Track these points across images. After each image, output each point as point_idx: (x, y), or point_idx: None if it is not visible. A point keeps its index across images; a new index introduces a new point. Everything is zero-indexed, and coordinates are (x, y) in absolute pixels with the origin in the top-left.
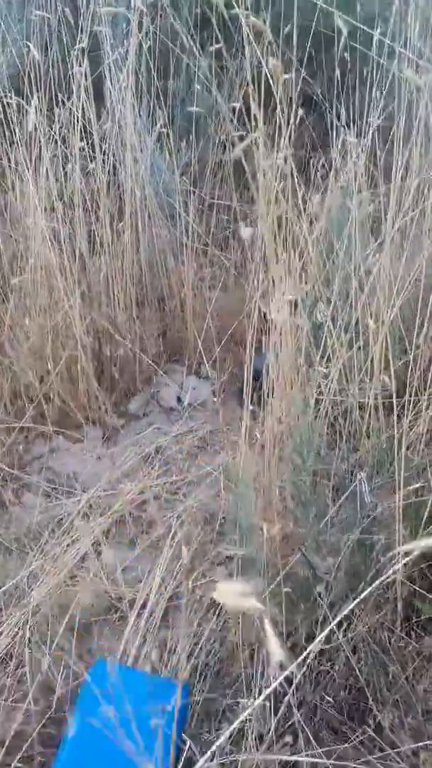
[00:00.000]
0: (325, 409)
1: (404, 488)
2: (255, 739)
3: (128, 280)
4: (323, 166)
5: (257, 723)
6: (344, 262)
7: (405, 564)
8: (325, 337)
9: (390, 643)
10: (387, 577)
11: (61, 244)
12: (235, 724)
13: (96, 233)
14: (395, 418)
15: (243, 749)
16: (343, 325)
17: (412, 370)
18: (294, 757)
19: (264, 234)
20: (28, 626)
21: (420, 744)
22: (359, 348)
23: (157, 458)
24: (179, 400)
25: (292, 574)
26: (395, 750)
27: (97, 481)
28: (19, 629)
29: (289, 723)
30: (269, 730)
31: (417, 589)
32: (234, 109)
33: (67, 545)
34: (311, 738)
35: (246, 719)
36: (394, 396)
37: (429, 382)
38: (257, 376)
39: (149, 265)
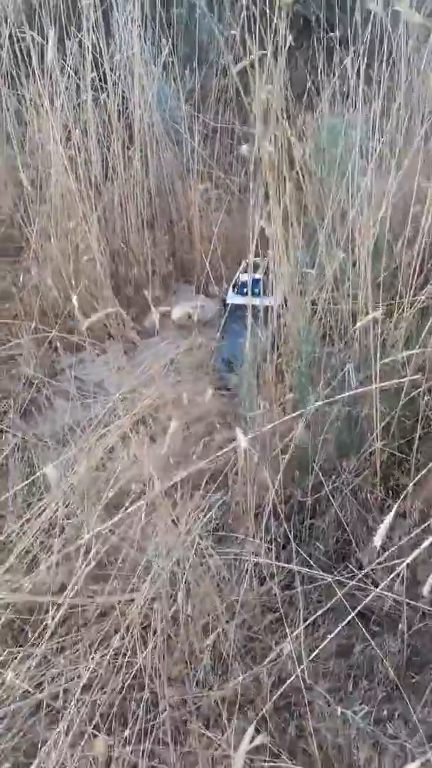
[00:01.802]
0: (319, 315)
1: (384, 375)
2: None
3: (139, 204)
4: (316, 85)
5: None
6: (337, 179)
7: (384, 438)
8: (319, 248)
9: (370, 501)
10: (369, 446)
11: (77, 171)
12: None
13: (108, 159)
14: (380, 320)
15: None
16: (334, 238)
17: (397, 277)
18: (291, 566)
19: (262, 154)
20: (65, 504)
21: (392, 575)
22: (348, 258)
23: (171, 368)
24: (189, 317)
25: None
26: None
27: (119, 388)
28: (57, 506)
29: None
30: (271, 572)
31: (395, 453)
32: (233, 36)
33: (97, 440)
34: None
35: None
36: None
37: (411, 287)
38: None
39: (158, 190)
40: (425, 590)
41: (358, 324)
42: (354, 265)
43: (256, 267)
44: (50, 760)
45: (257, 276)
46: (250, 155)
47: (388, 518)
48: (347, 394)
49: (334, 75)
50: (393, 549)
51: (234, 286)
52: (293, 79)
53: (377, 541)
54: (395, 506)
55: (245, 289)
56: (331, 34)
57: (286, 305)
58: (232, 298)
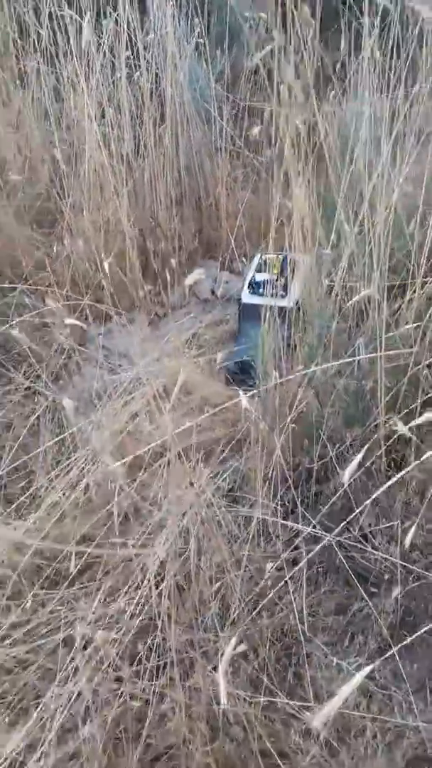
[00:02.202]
0: (335, 291)
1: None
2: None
3: (168, 181)
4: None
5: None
6: (356, 161)
7: (389, 410)
8: (336, 227)
9: (373, 471)
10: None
11: (110, 147)
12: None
13: (140, 137)
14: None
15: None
16: (351, 217)
17: (410, 257)
18: (296, 525)
19: (282, 135)
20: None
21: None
22: (363, 236)
23: (194, 342)
24: (213, 292)
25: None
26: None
27: (143, 357)
28: (85, 464)
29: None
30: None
31: (396, 429)
32: (260, 18)
33: (122, 405)
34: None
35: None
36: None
37: (423, 267)
38: (245, 369)
39: (187, 167)
40: (406, 543)
41: (354, 299)
42: (369, 244)
43: (272, 264)
44: (65, 691)
45: (272, 276)
46: (261, 136)
47: (359, 457)
48: (351, 359)
49: (360, 58)
50: (390, 515)
51: (249, 285)
52: (320, 62)
53: (345, 477)
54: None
55: (261, 289)
56: (359, 20)
57: (298, 307)
58: (248, 298)
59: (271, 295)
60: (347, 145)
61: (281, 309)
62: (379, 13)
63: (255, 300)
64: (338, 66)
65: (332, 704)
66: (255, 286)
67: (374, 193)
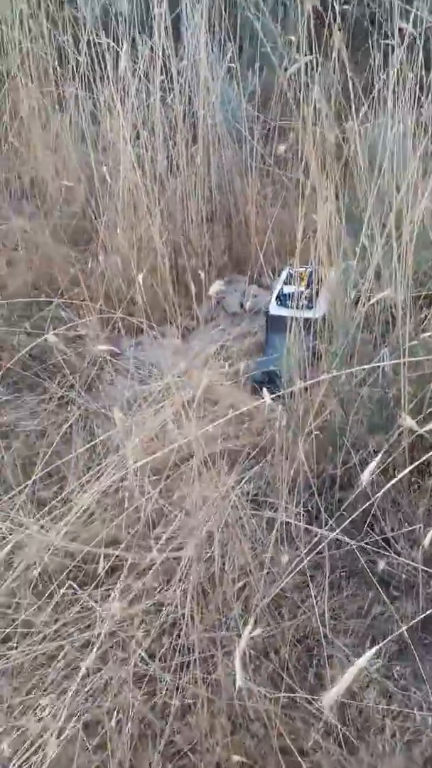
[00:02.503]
0: (362, 302)
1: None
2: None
3: (200, 199)
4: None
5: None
6: (384, 176)
7: (413, 418)
8: (362, 239)
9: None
10: (399, 428)
11: (143, 168)
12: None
13: (173, 157)
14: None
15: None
16: (378, 230)
17: None
18: (319, 530)
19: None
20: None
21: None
22: (389, 247)
23: (222, 354)
24: (242, 306)
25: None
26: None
27: (174, 369)
28: (115, 469)
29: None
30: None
31: (422, 435)
32: (290, 42)
33: (152, 414)
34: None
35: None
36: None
37: None
38: (271, 378)
39: (218, 186)
40: (425, 543)
41: (373, 299)
42: (395, 255)
43: (300, 276)
44: (93, 681)
45: (299, 288)
46: (289, 153)
47: (377, 458)
48: (375, 364)
49: (387, 77)
50: (413, 520)
51: (277, 297)
52: (350, 79)
53: (365, 476)
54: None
55: (288, 301)
56: (387, 41)
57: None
58: (275, 310)
59: (298, 307)
60: (375, 160)
61: (307, 320)
62: (407, 33)
63: (282, 312)
64: (367, 84)
65: (341, 684)
66: (282, 299)
67: (401, 206)
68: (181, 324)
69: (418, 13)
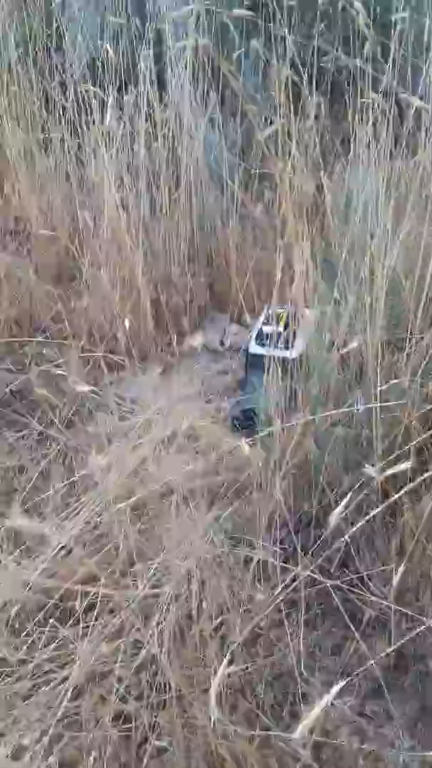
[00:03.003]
0: (337, 346)
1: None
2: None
3: (182, 241)
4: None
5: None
6: (357, 226)
7: (385, 457)
8: (337, 284)
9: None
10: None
11: (128, 210)
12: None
13: (156, 200)
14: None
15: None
16: (352, 275)
17: (408, 313)
18: (295, 569)
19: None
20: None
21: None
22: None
23: (203, 389)
24: (222, 343)
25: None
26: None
27: (154, 405)
28: (94, 508)
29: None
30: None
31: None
32: (271, 96)
33: (131, 449)
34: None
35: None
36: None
37: (418, 324)
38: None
39: (200, 228)
40: (394, 582)
41: (345, 349)
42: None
43: (279, 317)
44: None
45: (279, 329)
46: (266, 215)
47: (343, 503)
48: (349, 409)
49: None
50: (386, 559)
51: (257, 336)
52: (328, 130)
53: (332, 519)
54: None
55: (267, 341)
56: (362, 100)
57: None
58: (254, 349)
59: (276, 347)
60: (349, 210)
61: (284, 360)
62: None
63: (261, 350)
64: (344, 137)
65: (311, 715)
66: (262, 338)
67: (374, 254)
68: (162, 360)
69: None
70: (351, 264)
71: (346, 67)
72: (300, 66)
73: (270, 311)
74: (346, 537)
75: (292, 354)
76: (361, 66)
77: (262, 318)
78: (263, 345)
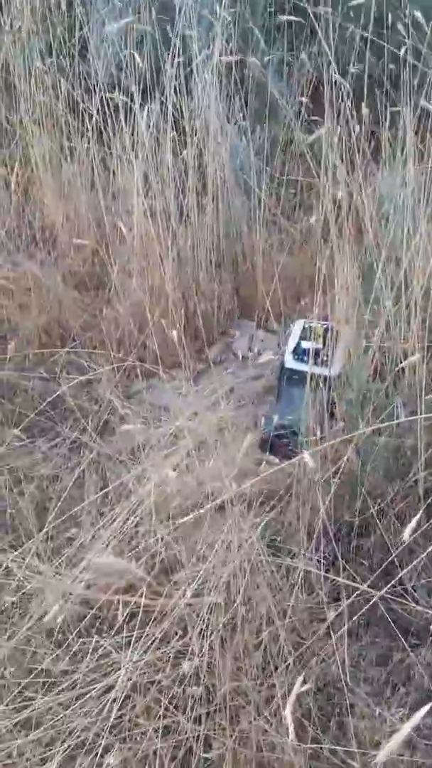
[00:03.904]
0: (373, 352)
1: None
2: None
3: (209, 247)
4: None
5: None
6: (395, 229)
7: (428, 468)
8: (375, 292)
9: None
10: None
11: (156, 217)
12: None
13: (184, 207)
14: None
15: None
16: (389, 283)
17: None
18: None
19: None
20: (134, 515)
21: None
22: (401, 302)
23: (232, 396)
24: (250, 349)
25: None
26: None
27: (184, 412)
28: (127, 518)
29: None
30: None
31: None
32: (301, 102)
33: (164, 458)
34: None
35: None
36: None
37: None
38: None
39: (226, 234)
40: None
41: (403, 363)
42: (406, 306)
43: (317, 333)
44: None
45: (318, 345)
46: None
47: (415, 519)
48: (394, 422)
49: (396, 132)
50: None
51: (294, 351)
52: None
53: (406, 535)
54: None
55: (305, 356)
56: (393, 108)
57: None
58: (291, 363)
59: (316, 363)
60: (385, 215)
61: (325, 378)
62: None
63: (299, 366)
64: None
65: (397, 738)
66: (300, 353)
67: (412, 260)
68: (191, 367)
69: None
70: (388, 269)
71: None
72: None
73: (306, 324)
74: (398, 550)
75: (331, 372)
76: (396, 73)
77: (297, 331)
78: (300, 360)
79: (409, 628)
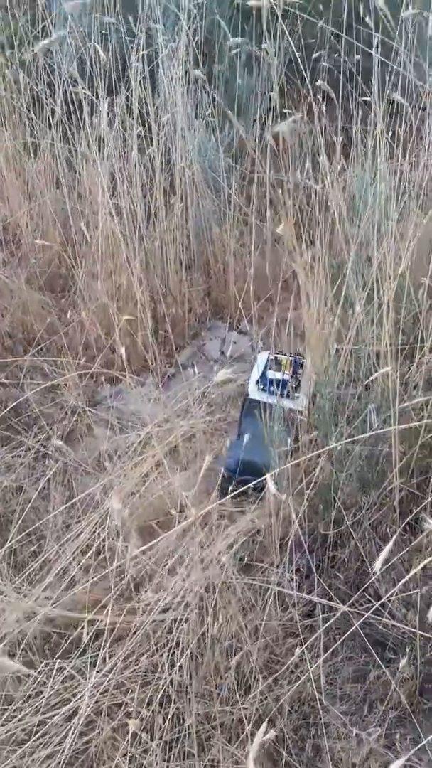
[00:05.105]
0: (344, 356)
1: (403, 416)
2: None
3: (178, 248)
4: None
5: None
6: (365, 227)
7: (403, 476)
8: (345, 292)
9: (389, 535)
10: (389, 483)
11: (122, 217)
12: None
13: (151, 206)
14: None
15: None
16: (360, 283)
17: (418, 321)
18: (311, 597)
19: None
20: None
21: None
22: (372, 303)
23: (204, 401)
24: (222, 352)
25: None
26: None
27: (154, 418)
28: (95, 529)
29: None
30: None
31: (413, 491)
32: (270, 98)
33: (132, 467)
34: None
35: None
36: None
37: (430, 330)
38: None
39: (196, 234)
40: (429, 615)
41: (374, 375)
42: (378, 307)
43: (280, 363)
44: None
45: (285, 376)
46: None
47: (387, 546)
48: (368, 434)
49: (367, 127)
50: (407, 581)
51: (258, 381)
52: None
53: (377, 566)
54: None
55: (271, 387)
56: (363, 98)
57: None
58: (254, 394)
59: (282, 395)
60: (355, 211)
61: (290, 411)
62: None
63: (263, 397)
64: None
65: None
66: (264, 383)
67: (383, 260)
68: (161, 371)
69: (404, 72)
70: (358, 269)
71: (342, 66)
72: (300, 65)
73: (272, 355)
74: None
75: (298, 405)
76: (362, 65)
77: (262, 361)
78: (266, 391)
79: (385, 643)
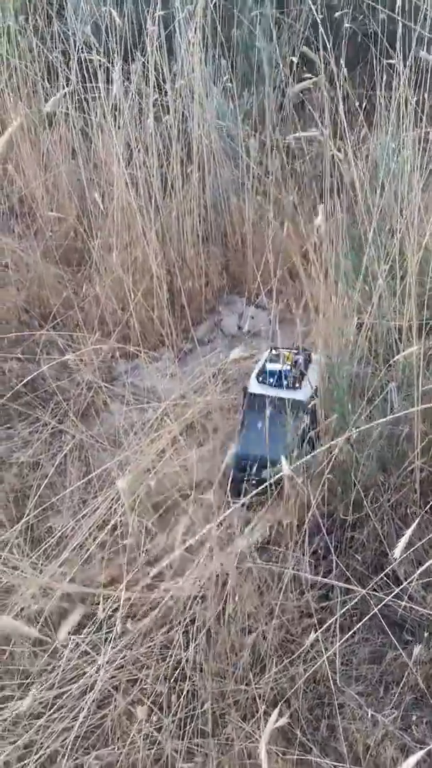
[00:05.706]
0: (365, 332)
1: (424, 396)
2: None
3: (195, 219)
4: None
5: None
6: (388, 197)
7: (425, 455)
8: (366, 265)
9: (409, 516)
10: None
11: (138, 188)
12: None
13: (167, 176)
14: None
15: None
16: (383, 256)
17: None
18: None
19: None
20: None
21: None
22: (394, 276)
23: (220, 377)
24: (239, 327)
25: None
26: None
27: (171, 394)
28: (112, 504)
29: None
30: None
31: None
32: (292, 62)
33: (148, 443)
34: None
35: None
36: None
37: None
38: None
39: (213, 205)
40: None
41: (399, 356)
42: (401, 280)
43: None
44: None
45: (285, 367)
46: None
47: (408, 532)
48: (389, 418)
49: (391, 93)
50: (429, 563)
51: (258, 374)
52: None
53: (397, 552)
54: None
55: (271, 380)
56: (388, 61)
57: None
58: (255, 388)
59: (286, 387)
60: (377, 179)
61: (296, 402)
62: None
63: (264, 390)
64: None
65: None
66: (265, 376)
67: (405, 232)
68: (177, 347)
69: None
70: (379, 241)
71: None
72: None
73: (273, 350)
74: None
75: (304, 396)
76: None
77: (264, 356)
78: (266, 383)
79: (403, 625)
